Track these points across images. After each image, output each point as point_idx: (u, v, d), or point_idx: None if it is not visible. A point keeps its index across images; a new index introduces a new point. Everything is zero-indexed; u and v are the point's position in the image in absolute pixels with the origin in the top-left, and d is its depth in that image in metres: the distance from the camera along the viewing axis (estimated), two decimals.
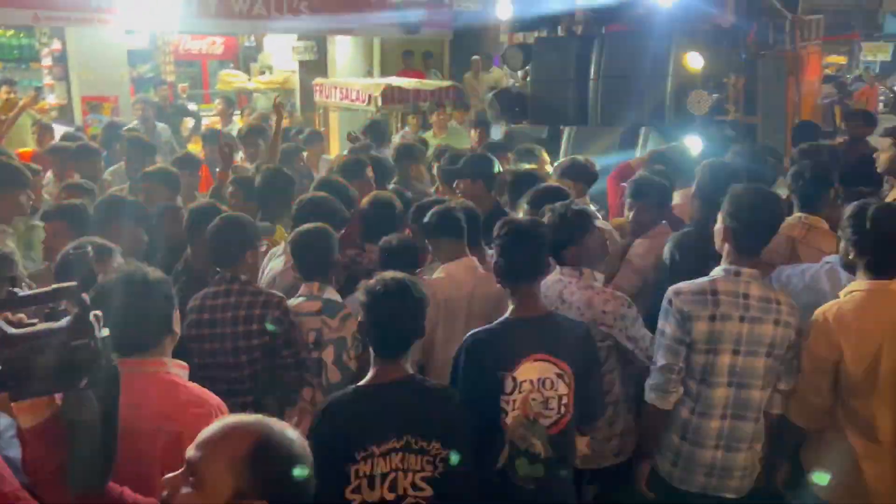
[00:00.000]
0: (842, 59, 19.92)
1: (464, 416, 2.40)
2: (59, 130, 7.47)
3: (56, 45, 9.34)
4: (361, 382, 2.41)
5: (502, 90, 7.56)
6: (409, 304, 2.36)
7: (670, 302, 2.74)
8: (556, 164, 5.01)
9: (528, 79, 6.99)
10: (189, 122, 9.87)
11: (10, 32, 9.65)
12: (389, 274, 2.44)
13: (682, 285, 2.75)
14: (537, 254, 2.65)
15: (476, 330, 2.68)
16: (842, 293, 2.74)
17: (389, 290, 2.35)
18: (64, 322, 1.45)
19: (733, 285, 2.71)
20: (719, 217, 2.81)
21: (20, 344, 1.41)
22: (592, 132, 6.42)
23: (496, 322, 2.68)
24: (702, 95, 5.70)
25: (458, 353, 2.65)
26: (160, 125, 8.17)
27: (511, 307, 2.68)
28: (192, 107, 11.04)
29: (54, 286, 1.52)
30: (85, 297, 1.47)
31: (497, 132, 7.35)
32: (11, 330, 1.43)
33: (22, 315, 1.51)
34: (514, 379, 2.56)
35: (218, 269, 3.16)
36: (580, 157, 4.65)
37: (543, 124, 6.87)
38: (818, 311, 2.72)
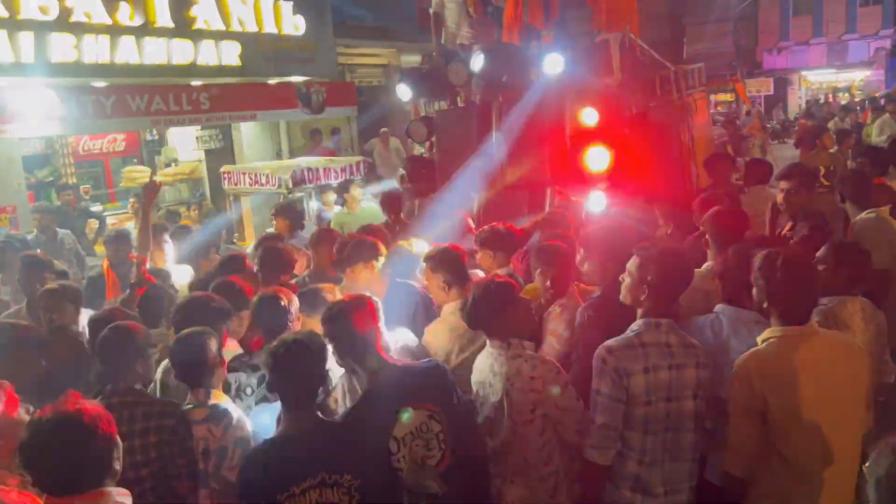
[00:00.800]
0: (729, 97, 21.17)
1: (375, 448, 2.68)
2: None
3: None
4: (277, 432, 2.67)
5: (411, 161, 7.64)
6: (309, 358, 2.62)
7: (604, 361, 2.80)
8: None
9: (435, 149, 7.10)
10: (94, 224, 9.57)
11: None
12: (289, 335, 2.72)
13: (612, 343, 2.83)
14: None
15: (344, 412, 2.89)
16: (758, 340, 2.81)
17: (290, 348, 2.61)
18: None
19: (657, 336, 2.82)
20: (632, 273, 2.91)
21: None
22: (501, 196, 6.53)
23: (357, 400, 2.90)
24: (600, 151, 5.89)
25: None
26: (62, 232, 7.87)
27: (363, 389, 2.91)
28: (97, 208, 10.74)
29: None
30: None
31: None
32: None
33: None
34: (396, 439, 2.76)
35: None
36: (500, 226, 4.68)
37: (453, 191, 6.95)
38: (738, 362, 2.78)
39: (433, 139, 7.17)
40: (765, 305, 2.81)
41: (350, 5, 11.80)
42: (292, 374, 2.60)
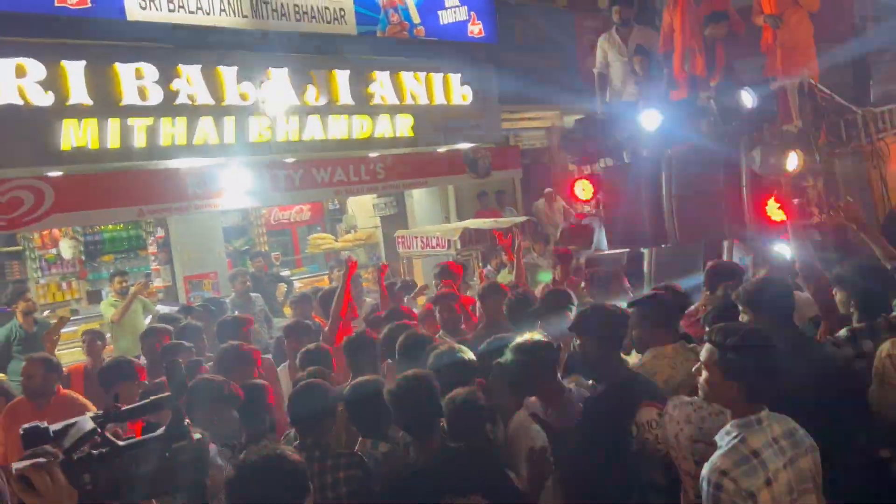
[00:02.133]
0: None
1: (499, 468, 3.04)
2: (164, 310, 8.00)
3: (160, 232, 10.16)
4: (410, 462, 2.96)
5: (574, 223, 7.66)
6: (426, 392, 2.94)
7: (719, 487, 2.38)
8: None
9: (601, 206, 7.09)
10: (283, 288, 10.38)
11: (120, 226, 10.59)
12: (409, 372, 3.03)
13: (722, 462, 2.42)
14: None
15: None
16: None
17: (408, 384, 2.93)
18: (161, 430, 1.59)
19: (763, 435, 2.47)
20: (713, 368, 2.54)
21: (128, 453, 1.54)
22: (673, 250, 6.36)
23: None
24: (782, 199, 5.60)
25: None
26: (254, 294, 8.64)
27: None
28: (285, 273, 11.65)
29: (152, 398, 1.66)
30: (180, 404, 1.58)
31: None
32: (120, 442, 1.55)
33: (117, 428, 1.63)
34: (637, 425, 3.02)
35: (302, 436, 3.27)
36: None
37: (623, 248, 6.88)
38: None
39: (599, 196, 7.16)
40: None
41: (513, 72, 12.18)
42: (412, 410, 2.92)
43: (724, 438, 2.50)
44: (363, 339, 4.41)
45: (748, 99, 5.85)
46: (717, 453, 2.47)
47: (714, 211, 6.02)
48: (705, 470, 2.46)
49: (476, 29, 11.86)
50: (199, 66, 8.67)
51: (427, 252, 9.83)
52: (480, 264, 9.94)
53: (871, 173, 6.44)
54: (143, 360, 5.74)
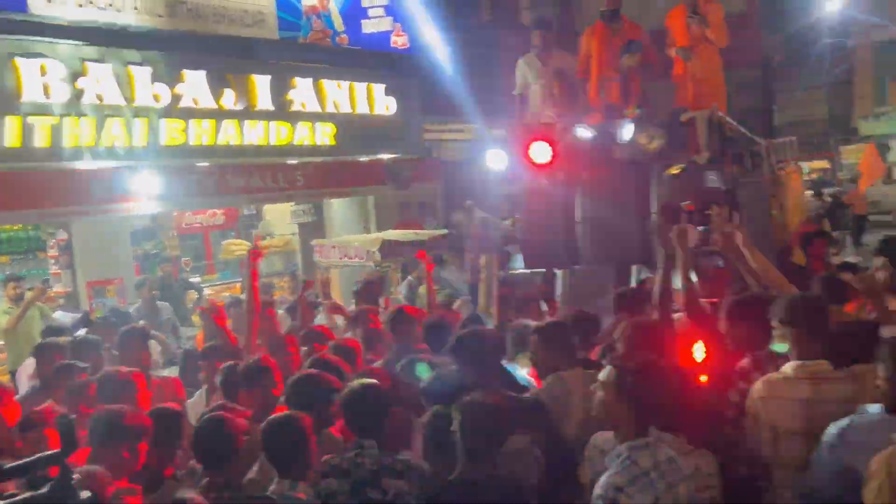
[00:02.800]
0: (825, 164, 20.52)
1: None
2: (67, 318, 7.61)
3: (62, 234, 9.65)
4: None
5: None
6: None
7: (615, 503, 2.46)
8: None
9: (518, 226, 7.18)
10: (193, 295, 10.06)
11: (18, 226, 10.01)
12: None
13: (616, 479, 2.50)
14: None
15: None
16: None
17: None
18: (45, 488, 1.51)
19: (651, 457, 2.55)
20: (609, 388, 2.64)
21: None
22: (587, 273, 6.50)
23: None
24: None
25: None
26: (161, 303, 8.34)
27: None
28: (196, 279, 11.30)
29: (38, 454, 1.58)
30: (68, 462, 1.53)
31: None
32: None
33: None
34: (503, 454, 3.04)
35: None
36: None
37: (537, 268, 6.98)
38: None
39: (517, 215, 7.26)
40: None
41: (437, 84, 12.21)
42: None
43: (615, 460, 2.58)
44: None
45: (627, 132, 6.07)
46: (610, 472, 2.56)
47: (625, 235, 6.18)
48: (599, 488, 2.53)
49: (400, 40, 11.85)
50: (110, 66, 8.30)
51: (345, 263, 9.71)
52: (399, 277, 9.90)
53: (771, 202, 6.75)
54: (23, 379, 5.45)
